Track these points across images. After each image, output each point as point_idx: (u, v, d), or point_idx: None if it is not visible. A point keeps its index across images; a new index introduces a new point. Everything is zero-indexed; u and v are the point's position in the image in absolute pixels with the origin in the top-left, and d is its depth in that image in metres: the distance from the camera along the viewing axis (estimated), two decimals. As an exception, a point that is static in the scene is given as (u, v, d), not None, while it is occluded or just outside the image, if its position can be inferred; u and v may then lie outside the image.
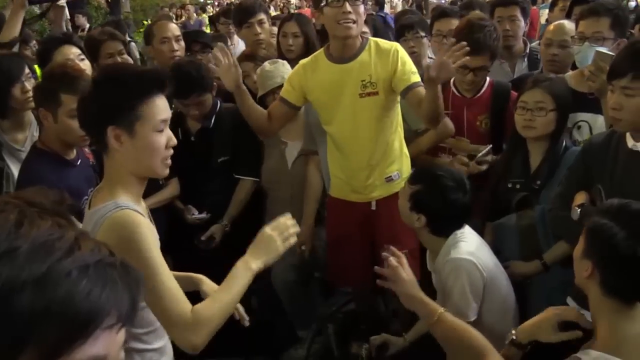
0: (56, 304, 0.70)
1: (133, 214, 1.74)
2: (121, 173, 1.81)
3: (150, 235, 1.74)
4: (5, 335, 0.68)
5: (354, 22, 2.79)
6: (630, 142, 2.34)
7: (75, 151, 2.70)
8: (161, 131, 1.81)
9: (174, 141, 1.87)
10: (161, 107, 1.80)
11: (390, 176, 3.02)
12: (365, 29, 3.54)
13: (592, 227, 1.85)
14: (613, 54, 2.65)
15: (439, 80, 2.63)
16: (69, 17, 9.33)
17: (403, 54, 2.94)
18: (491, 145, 3.20)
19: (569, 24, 3.36)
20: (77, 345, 0.72)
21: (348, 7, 2.76)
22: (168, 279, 1.73)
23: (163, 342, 1.96)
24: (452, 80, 3.36)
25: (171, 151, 1.86)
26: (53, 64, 2.78)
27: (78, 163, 2.70)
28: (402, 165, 3.05)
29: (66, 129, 2.55)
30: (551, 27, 3.44)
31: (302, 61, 3.09)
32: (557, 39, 3.31)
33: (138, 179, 1.84)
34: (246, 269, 1.88)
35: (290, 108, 3.04)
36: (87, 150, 2.85)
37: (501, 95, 3.27)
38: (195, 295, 2.01)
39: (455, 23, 3.74)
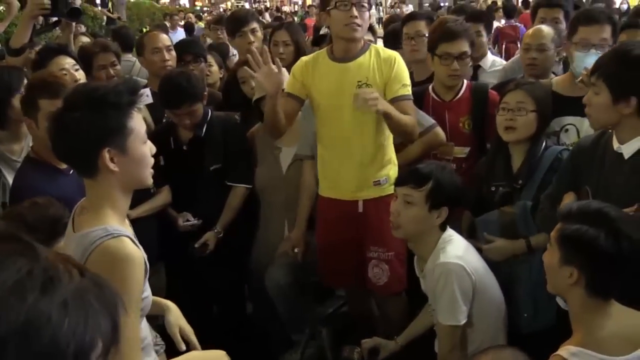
0: (43, 353, 0.65)
1: (125, 243, 1.70)
2: (109, 194, 1.77)
3: (138, 273, 1.70)
4: None
5: (359, 26, 2.91)
6: (615, 144, 2.38)
7: None
8: (146, 142, 1.81)
9: (154, 149, 1.86)
10: (141, 117, 1.81)
11: (379, 180, 3.06)
12: (370, 37, 3.62)
13: (568, 234, 1.90)
14: None
15: (364, 108, 2.79)
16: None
17: (400, 64, 3.03)
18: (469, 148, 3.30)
19: (546, 29, 3.44)
20: None
21: (355, 12, 2.87)
22: (134, 326, 1.70)
23: (151, 358, 1.96)
24: (430, 86, 3.43)
25: (152, 160, 1.86)
26: (33, 75, 2.85)
27: (70, 172, 2.72)
28: (390, 171, 3.09)
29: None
30: (529, 32, 3.51)
31: (303, 58, 3.18)
32: (535, 43, 3.37)
33: (126, 195, 1.83)
34: None
35: (297, 102, 3.09)
36: None
37: (480, 94, 3.33)
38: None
39: (422, 24, 3.90)
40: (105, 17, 12.92)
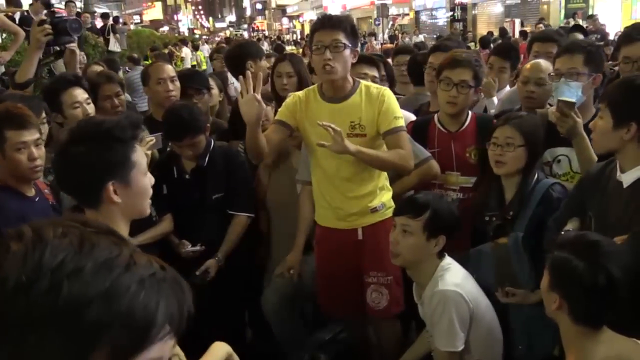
0: (119, 316, 0.78)
1: None
2: (111, 224, 1.82)
3: None
4: (75, 344, 0.77)
5: (332, 67, 2.92)
6: (618, 173, 2.45)
7: (33, 189, 2.74)
8: (146, 173, 1.89)
9: (153, 179, 1.93)
10: (141, 150, 1.88)
11: (375, 207, 3.11)
12: (374, 72, 3.70)
13: (554, 261, 1.98)
14: (574, 100, 2.80)
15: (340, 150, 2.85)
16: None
17: (390, 97, 3.06)
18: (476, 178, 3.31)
19: (544, 63, 3.48)
20: (139, 351, 0.81)
21: (328, 55, 2.90)
22: None
23: None
24: (435, 117, 3.47)
25: (151, 191, 1.92)
26: None
27: (37, 199, 2.75)
28: (384, 198, 3.14)
29: (15, 163, 2.61)
30: (528, 65, 3.55)
31: (296, 93, 3.21)
32: (533, 77, 3.42)
33: (126, 224, 1.88)
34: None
35: (286, 130, 3.10)
36: (46, 191, 2.90)
37: (485, 126, 3.29)
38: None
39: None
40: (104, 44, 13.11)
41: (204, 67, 16.40)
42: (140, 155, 1.85)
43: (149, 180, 1.90)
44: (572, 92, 2.87)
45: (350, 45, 2.95)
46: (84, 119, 2.55)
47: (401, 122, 3.03)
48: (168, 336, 0.84)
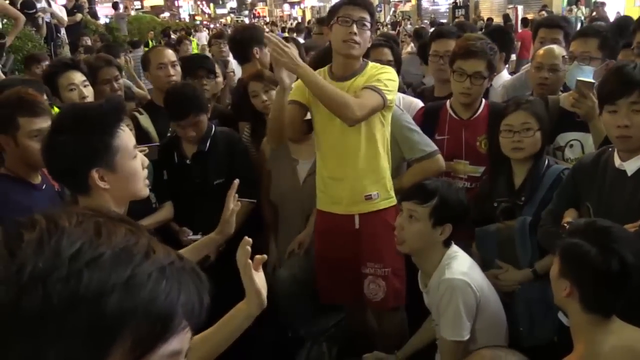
0: (142, 304, 0.75)
1: None
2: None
3: None
4: (96, 335, 0.72)
5: (357, 43, 2.92)
6: (617, 162, 2.41)
7: (40, 176, 2.72)
8: (135, 156, 1.86)
9: (147, 160, 1.92)
10: (128, 133, 1.86)
11: (370, 195, 3.07)
12: (390, 57, 3.69)
13: (565, 247, 1.94)
14: (594, 81, 2.74)
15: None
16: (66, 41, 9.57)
17: (387, 70, 3.05)
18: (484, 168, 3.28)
19: (558, 48, 3.44)
20: (161, 343, 0.77)
21: (354, 29, 2.90)
22: None
23: None
24: (448, 103, 3.43)
25: (147, 171, 1.91)
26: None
27: (43, 187, 2.72)
28: (381, 187, 3.09)
29: (28, 151, 2.57)
30: (541, 51, 3.49)
31: None
32: (547, 63, 3.37)
33: (120, 208, 1.86)
34: (243, 310, 1.91)
35: (301, 108, 3.10)
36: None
37: (498, 114, 3.20)
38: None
39: (452, 43, 3.78)
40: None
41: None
42: (126, 139, 1.82)
43: (139, 162, 1.87)
44: (584, 76, 2.83)
45: (370, 28, 2.98)
46: (66, 107, 2.52)
47: (382, 86, 2.93)
48: (188, 327, 0.80)
